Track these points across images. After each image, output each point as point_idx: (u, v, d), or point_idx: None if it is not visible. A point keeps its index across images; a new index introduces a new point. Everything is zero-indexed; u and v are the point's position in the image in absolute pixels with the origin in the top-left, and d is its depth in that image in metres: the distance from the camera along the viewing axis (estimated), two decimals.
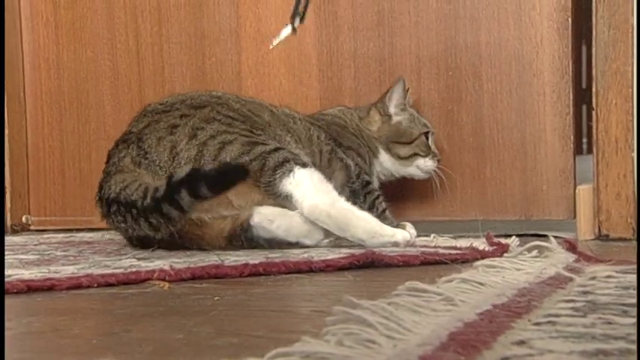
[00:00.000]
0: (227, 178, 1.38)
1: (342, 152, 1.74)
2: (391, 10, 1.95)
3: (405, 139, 1.82)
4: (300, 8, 1.90)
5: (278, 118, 1.68)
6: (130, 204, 1.42)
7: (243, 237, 1.48)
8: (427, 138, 1.83)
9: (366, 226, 1.47)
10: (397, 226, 1.58)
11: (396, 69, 1.94)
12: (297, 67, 2.02)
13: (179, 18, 2.10)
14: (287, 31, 1.91)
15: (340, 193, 1.54)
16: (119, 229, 1.51)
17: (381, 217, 1.62)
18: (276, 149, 1.50)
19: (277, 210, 1.49)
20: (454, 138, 1.91)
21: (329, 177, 1.61)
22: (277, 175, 1.46)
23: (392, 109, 1.83)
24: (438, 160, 1.83)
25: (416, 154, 1.81)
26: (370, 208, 1.66)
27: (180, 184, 1.37)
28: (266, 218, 1.48)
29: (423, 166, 1.82)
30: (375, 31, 1.96)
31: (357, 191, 1.70)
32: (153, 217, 1.40)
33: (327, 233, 1.50)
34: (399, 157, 1.81)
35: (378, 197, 1.71)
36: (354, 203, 1.56)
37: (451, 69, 1.92)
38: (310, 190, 1.46)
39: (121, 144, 1.56)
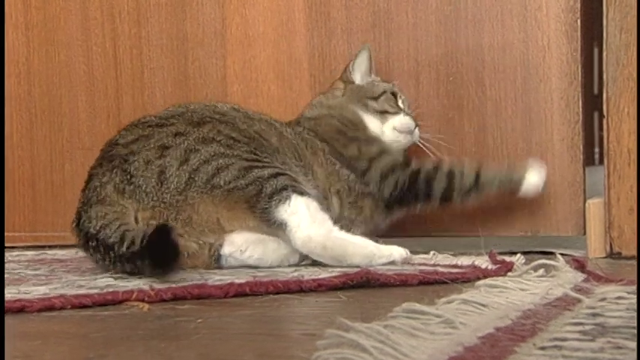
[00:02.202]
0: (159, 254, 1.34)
1: (363, 185, 1.75)
2: (387, 11, 1.96)
3: (370, 94, 1.83)
4: None
5: (289, 144, 1.68)
6: (109, 246, 1.42)
7: (216, 267, 1.49)
8: (395, 96, 1.85)
9: (363, 252, 1.49)
10: (514, 171, 1.71)
11: (393, 73, 1.95)
12: (286, 72, 2.03)
13: (160, 19, 2.11)
14: None
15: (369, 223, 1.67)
16: (98, 264, 1.50)
17: (479, 187, 1.71)
18: (276, 175, 1.51)
19: (251, 237, 1.51)
20: (455, 148, 1.92)
21: (353, 221, 1.70)
22: (273, 202, 1.48)
23: (355, 76, 1.86)
24: (417, 125, 1.84)
25: (385, 111, 1.82)
26: (448, 198, 1.72)
27: (144, 251, 1.35)
28: (237, 248, 1.50)
29: (398, 124, 1.81)
30: (371, 33, 1.98)
31: (409, 196, 1.73)
32: (130, 266, 1.40)
33: (304, 256, 1.52)
34: (377, 112, 1.82)
35: (449, 175, 1.73)
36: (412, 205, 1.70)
37: (452, 74, 1.93)
38: (305, 220, 1.48)
39: (105, 163, 1.54)
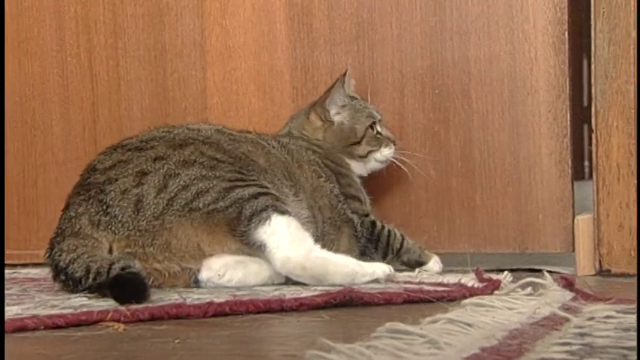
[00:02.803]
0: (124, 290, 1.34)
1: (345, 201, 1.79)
2: (371, 22, 1.98)
3: (353, 140, 1.86)
4: None
5: (277, 162, 1.69)
6: (76, 281, 1.42)
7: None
8: (373, 129, 1.86)
9: (345, 271, 1.50)
10: (422, 255, 1.76)
11: (377, 86, 1.97)
12: (268, 84, 2.04)
13: (137, 30, 2.11)
14: None
15: (348, 251, 1.67)
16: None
17: (400, 253, 1.76)
18: (257, 195, 1.51)
19: (230, 260, 1.52)
20: (441, 162, 1.94)
21: (334, 240, 1.72)
22: (253, 224, 1.48)
23: (332, 112, 1.87)
24: (394, 143, 1.86)
25: (370, 152, 1.86)
26: (385, 255, 1.76)
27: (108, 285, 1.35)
28: (215, 273, 1.50)
29: (380, 157, 1.86)
30: (354, 44, 1.99)
31: (367, 246, 1.78)
32: (99, 296, 1.40)
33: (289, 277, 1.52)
34: (360, 157, 1.86)
35: (388, 234, 1.78)
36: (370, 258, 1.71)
37: (437, 86, 1.94)
38: (285, 240, 1.48)
39: (82, 192, 1.54)
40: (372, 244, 1.77)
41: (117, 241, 1.49)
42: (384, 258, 1.75)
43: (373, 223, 1.78)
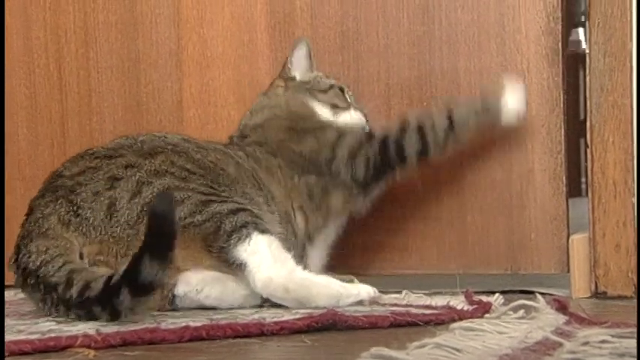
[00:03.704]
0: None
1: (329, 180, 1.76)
2: (357, 32, 1.99)
3: (317, 88, 1.85)
4: None
5: (246, 171, 1.69)
6: (51, 286, 1.41)
7: (170, 309, 1.50)
8: (343, 92, 1.86)
9: (328, 292, 1.50)
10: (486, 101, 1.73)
11: (363, 98, 1.97)
12: (248, 97, 2.04)
13: (109, 38, 2.11)
14: None
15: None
16: (38, 306, 1.49)
17: (455, 131, 1.73)
18: (236, 211, 1.51)
19: (208, 275, 1.52)
20: (429, 179, 1.94)
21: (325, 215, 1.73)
22: (232, 241, 1.49)
23: (295, 71, 1.87)
24: (365, 116, 1.86)
25: (335, 106, 1.84)
26: (403, 159, 1.73)
27: (121, 283, 1.34)
28: (193, 288, 1.50)
29: (350, 121, 1.84)
30: (339, 55, 2.00)
31: (387, 168, 1.74)
32: (79, 312, 1.40)
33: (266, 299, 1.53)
34: (327, 103, 1.83)
35: (419, 127, 1.74)
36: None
37: (426, 99, 1.96)
38: (267, 261, 1.49)
39: (48, 194, 1.54)
40: (390, 161, 1.75)
41: (88, 245, 1.48)
42: (424, 157, 1.75)
43: (384, 140, 1.75)
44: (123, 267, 1.36)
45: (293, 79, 1.87)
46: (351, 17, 1.99)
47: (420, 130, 1.76)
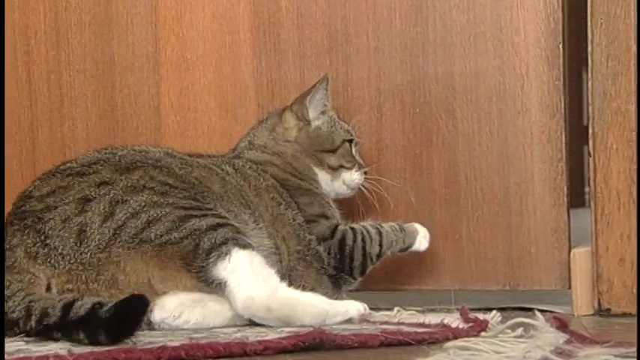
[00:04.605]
0: (127, 322, 1.36)
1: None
2: (346, 33, 1.99)
3: (328, 146, 1.86)
4: None
5: (233, 188, 1.69)
6: (12, 322, 1.41)
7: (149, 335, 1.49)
8: (350, 146, 1.87)
9: (314, 311, 1.50)
10: (405, 240, 1.79)
11: (352, 104, 1.98)
12: (230, 101, 2.04)
13: (82, 40, 2.11)
14: None
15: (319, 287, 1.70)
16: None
17: (381, 255, 1.78)
18: (215, 226, 1.51)
19: (187, 299, 1.51)
20: (423, 189, 1.95)
21: (302, 276, 1.72)
22: (212, 259, 1.48)
23: (312, 114, 1.87)
24: (365, 173, 1.87)
25: (341, 166, 1.85)
26: (364, 269, 1.77)
27: (79, 323, 1.35)
28: (170, 314, 1.50)
29: (349, 180, 1.85)
30: (327, 57, 2.00)
31: (339, 274, 1.77)
32: (46, 337, 1.39)
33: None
34: (330, 168, 1.85)
35: (363, 242, 1.77)
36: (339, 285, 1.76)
37: (419, 105, 1.96)
38: (247, 278, 1.48)
39: (16, 222, 1.53)
40: (344, 267, 1.76)
41: (56, 276, 1.48)
42: (362, 274, 1.77)
43: (342, 242, 1.77)
44: (83, 309, 1.36)
45: (308, 123, 1.87)
46: (340, 18, 1.99)
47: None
